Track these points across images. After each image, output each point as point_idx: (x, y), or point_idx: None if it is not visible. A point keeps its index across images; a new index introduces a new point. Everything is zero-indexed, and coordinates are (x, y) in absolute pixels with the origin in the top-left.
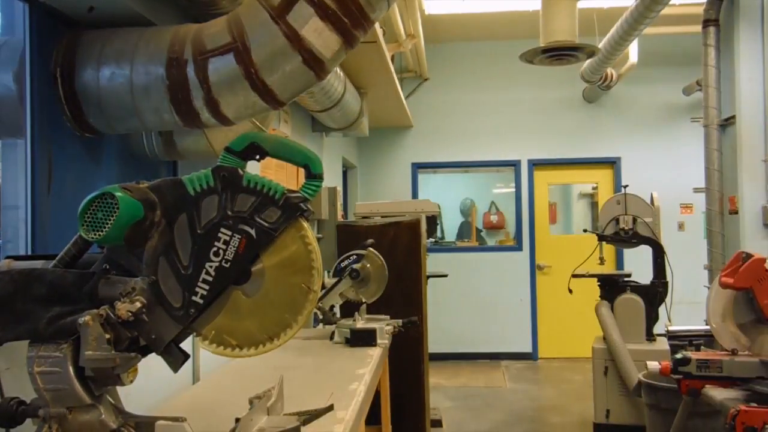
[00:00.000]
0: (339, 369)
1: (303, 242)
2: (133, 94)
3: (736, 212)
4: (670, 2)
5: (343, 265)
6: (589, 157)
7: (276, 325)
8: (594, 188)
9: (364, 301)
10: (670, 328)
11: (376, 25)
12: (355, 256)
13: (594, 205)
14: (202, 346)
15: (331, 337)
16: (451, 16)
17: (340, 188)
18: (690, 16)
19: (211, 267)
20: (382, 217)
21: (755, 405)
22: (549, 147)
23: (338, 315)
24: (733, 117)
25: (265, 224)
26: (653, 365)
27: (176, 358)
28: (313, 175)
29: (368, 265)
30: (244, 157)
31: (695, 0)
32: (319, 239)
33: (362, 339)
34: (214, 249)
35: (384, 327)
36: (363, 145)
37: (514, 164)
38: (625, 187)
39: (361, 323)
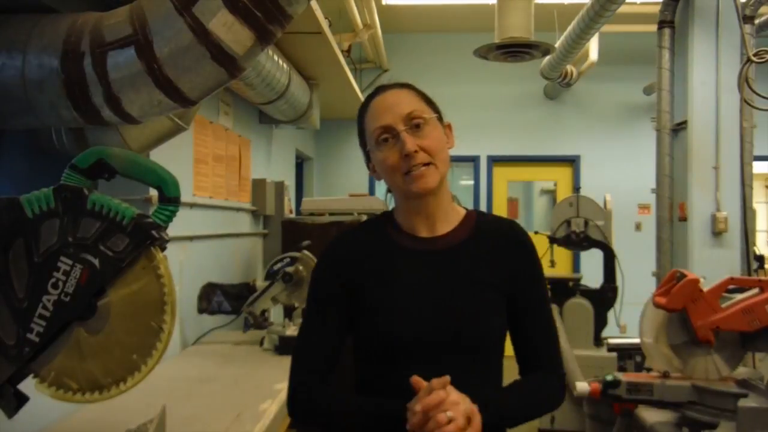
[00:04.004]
0: (258, 382)
1: (155, 274)
2: (26, 88)
3: (686, 219)
4: (629, 1)
5: (275, 268)
6: (549, 154)
7: (122, 367)
8: (555, 185)
9: (297, 305)
10: (611, 341)
11: (320, 16)
12: (288, 259)
13: (554, 202)
14: (39, 390)
15: (261, 343)
16: (409, 6)
17: (291, 182)
18: (650, 15)
19: (48, 301)
20: (329, 214)
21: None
22: (509, 143)
23: (271, 320)
24: (685, 122)
25: (110, 253)
26: (582, 387)
27: (9, 402)
28: (167, 199)
29: (302, 269)
30: (90, 175)
31: None
32: (264, 235)
33: (291, 346)
34: (53, 280)
35: None
36: (320, 137)
37: (473, 160)
38: (578, 189)
39: (292, 329)
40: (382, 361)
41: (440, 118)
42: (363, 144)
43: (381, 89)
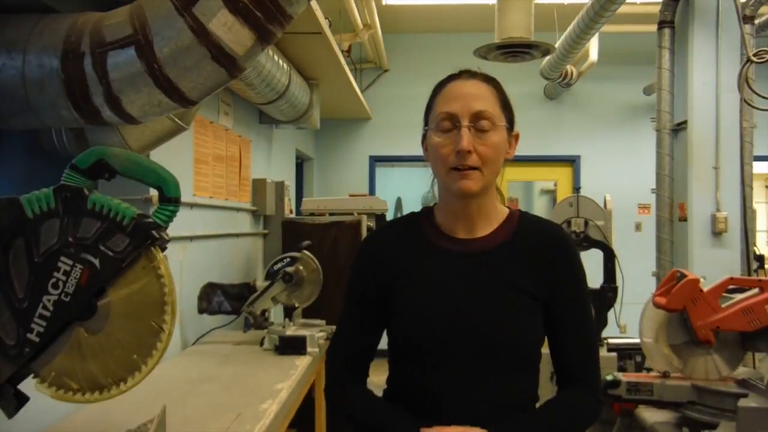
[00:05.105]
0: (258, 382)
1: (155, 274)
2: (26, 88)
3: (686, 219)
4: (629, 1)
5: (275, 268)
6: (549, 155)
7: (122, 367)
8: (555, 185)
9: (297, 305)
10: (611, 341)
11: (320, 16)
12: (288, 259)
13: (554, 202)
14: (40, 390)
15: (261, 343)
16: (409, 6)
17: (291, 182)
18: (650, 15)
19: (49, 301)
20: (329, 214)
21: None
22: None
23: (271, 320)
24: (686, 122)
25: (111, 253)
26: None
27: (9, 402)
28: (168, 199)
29: (302, 269)
30: (91, 175)
31: None
32: (264, 235)
33: (291, 347)
34: (53, 280)
35: (316, 334)
36: (320, 137)
37: None
38: (578, 189)
39: (292, 329)
40: (411, 363)
41: (511, 126)
42: (426, 118)
43: (466, 74)
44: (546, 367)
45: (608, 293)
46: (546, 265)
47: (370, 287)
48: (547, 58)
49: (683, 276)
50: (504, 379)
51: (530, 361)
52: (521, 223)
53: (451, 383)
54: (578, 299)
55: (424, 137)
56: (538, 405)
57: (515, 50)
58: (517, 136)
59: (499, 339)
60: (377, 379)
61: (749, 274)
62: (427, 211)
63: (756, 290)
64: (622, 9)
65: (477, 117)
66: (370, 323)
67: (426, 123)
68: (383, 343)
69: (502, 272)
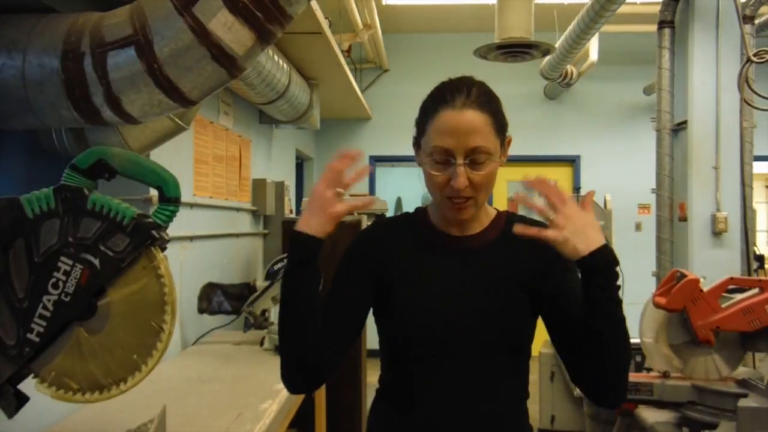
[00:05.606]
0: (258, 382)
1: (155, 274)
2: (26, 88)
3: (686, 219)
4: (629, 1)
5: (275, 268)
6: (549, 154)
7: (123, 367)
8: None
9: None
10: None
11: (320, 16)
12: None
13: None
14: (40, 390)
15: (261, 343)
16: (409, 6)
17: (291, 182)
18: (650, 15)
19: (49, 301)
20: None
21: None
22: None
23: (271, 320)
24: (685, 122)
25: (111, 253)
26: None
27: (9, 402)
28: (168, 199)
29: None
30: (91, 175)
31: None
32: (264, 235)
33: None
34: (53, 280)
35: None
36: (320, 137)
37: None
38: (578, 189)
39: None
40: (407, 361)
41: (503, 140)
42: (418, 130)
43: (460, 100)
44: (546, 367)
45: None
46: (537, 259)
47: (361, 278)
48: (547, 58)
49: (683, 276)
50: (500, 377)
51: (525, 359)
52: (509, 222)
53: (450, 381)
54: (574, 279)
55: (416, 141)
56: (530, 404)
57: (515, 50)
58: (509, 141)
59: (498, 337)
60: (374, 379)
61: (749, 274)
62: (421, 211)
63: (756, 290)
64: (622, 9)
65: (472, 152)
66: (352, 314)
67: (417, 133)
68: (376, 343)
69: (495, 268)
